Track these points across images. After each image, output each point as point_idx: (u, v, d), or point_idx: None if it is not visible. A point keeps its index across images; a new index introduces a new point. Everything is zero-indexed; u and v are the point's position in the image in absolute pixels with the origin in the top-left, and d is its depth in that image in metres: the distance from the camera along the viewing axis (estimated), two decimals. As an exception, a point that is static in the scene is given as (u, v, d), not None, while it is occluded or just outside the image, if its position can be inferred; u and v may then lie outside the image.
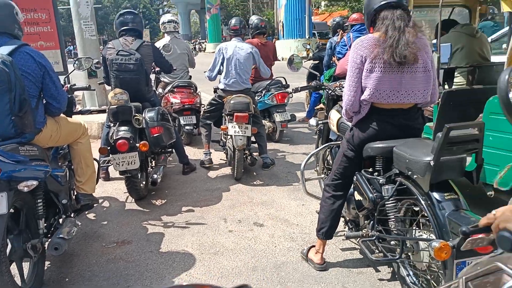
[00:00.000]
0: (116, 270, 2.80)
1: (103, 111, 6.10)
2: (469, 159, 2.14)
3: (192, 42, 27.97)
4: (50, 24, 7.38)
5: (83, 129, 3.18)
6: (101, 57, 4.23)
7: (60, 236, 2.60)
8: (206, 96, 7.83)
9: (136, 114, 3.70)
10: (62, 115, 3.26)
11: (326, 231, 2.65)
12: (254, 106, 4.60)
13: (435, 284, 2.14)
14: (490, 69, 3.79)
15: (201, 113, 5.18)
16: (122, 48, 4.02)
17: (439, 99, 3.26)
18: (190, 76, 6.31)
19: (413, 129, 2.42)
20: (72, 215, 3.09)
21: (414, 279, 2.30)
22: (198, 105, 5.79)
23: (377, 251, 2.44)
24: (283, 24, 25.61)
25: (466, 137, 2.02)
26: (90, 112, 6.99)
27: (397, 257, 2.24)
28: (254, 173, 4.68)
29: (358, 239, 2.63)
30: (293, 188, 4.16)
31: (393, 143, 2.29)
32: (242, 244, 3.07)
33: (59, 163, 3.10)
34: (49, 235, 2.78)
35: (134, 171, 3.64)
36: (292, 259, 2.85)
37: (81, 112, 3.82)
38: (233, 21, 5.04)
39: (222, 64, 4.73)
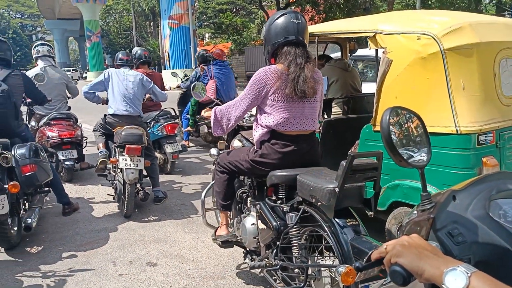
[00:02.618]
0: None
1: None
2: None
3: (71, 70, 26.25)
4: None
5: None
6: None
7: None
8: (88, 128, 7.34)
9: (4, 152, 3.28)
10: None
11: (225, 204, 2.79)
12: (147, 138, 4.45)
13: None
14: (362, 99, 4.20)
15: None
16: None
17: (320, 128, 3.50)
18: (69, 107, 5.87)
19: (313, 156, 2.56)
20: None
21: None
22: (80, 137, 5.40)
23: (279, 281, 2.43)
24: (168, 54, 25.59)
25: (367, 165, 2.11)
26: None
27: (302, 285, 2.21)
28: (147, 208, 4.44)
29: (261, 269, 2.58)
30: (187, 221, 4.03)
31: (296, 171, 2.34)
32: (134, 288, 2.86)
33: None
34: None
35: (2, 217, 3.18)
36: (189, 298, 2.72)
37: None
38: (120, 54, 4.98)
39: (107, 89, 4.62)
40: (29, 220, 3.46)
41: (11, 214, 3.35)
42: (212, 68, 6.67)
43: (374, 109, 2.96)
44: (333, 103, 4.25)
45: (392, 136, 1.09)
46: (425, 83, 2.68)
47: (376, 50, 3.75)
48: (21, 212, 3.64)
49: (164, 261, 3.24)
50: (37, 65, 5.61)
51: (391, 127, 1.09)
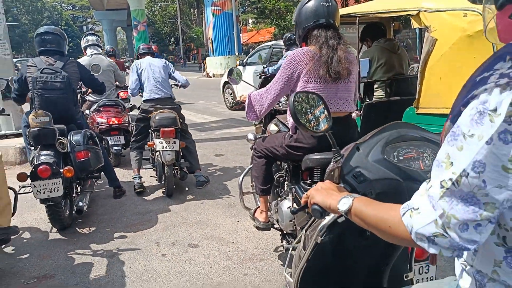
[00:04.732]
0: (37, 308, 2.56)
1: (21, 135, 5.66)
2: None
3: (128, 60, 27.10)
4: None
5: (-6, 156, 2.91)
6: (16, 76, 3.92)
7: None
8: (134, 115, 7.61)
9: (60, 138, 3.46)
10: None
11: (263, 188, 2.83)
12: (181, 120, 4.59)
13: None
14: (406, 81, 4.04)
15: (132, 136, 4.94)
16: (45, 66, 3.76)
17: (361, 111, 3.45)
18: (118, 95, 6.09)
19: (350, 139, 2.46)
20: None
21: None
22: (127, 124, 5.60)
23: None
24: (212, 41, 25.77)
25: None
26: (6, 136, 6.50)
27: None
28: (190, 192, 4.56)
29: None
30: (228, 205, 4.11)
31: (330, 154, 2.34)
32: (176, 268, 2.95)
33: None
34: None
35: (57, 199, 3.38)
36: (228, 279, 2.78)
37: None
38: (141, 45, 5.25)
39: (140, 79, 4.72)
40: (80, 203, 3.66)
41: (64, 197, 3.56)
42: None
43: (417, 91, 2.86)
44: (375, 86, 4.13)
45: (298, 112, 1.45)
46: (471, 63, 2.53)
47: (420, 29, 3.60)
48: (74, 195, 3.85)
49: (205, 243, 3.33)
50: (86, 54, 5.86)
51: (297, 106, 1.48)
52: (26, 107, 4.32)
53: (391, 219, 0.89)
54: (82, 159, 3.53)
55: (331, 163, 1.47)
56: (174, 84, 5.08)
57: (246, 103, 2.68)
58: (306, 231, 1.65)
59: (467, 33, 2.53)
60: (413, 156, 1.45)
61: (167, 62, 4.94)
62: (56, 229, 3.67)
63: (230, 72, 3.53)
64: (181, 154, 4.61)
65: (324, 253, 1.53)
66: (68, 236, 3.60)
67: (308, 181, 2.53)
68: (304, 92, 1.54)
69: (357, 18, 3.58)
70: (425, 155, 1.45)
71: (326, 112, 1.53)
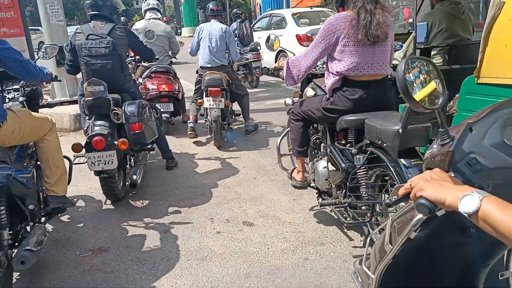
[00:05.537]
0: (92, 283, 2.52)
1: (75, 102, 5.68)
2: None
3: (171, 26, 27.22)
4: (13, 9, 6.88)
5: (50, 125, 2.83)
6: (68, 44, 3.84)
7: (27, 248, 2.29)
8: (187, 85, 7.55)
9: (115, 108, 3.36)
10: (26, 109, 2.92)
11: (300, 150, 3.02)
12: (229, 80, 5.13)
13: None
14: (467, 48, 3.65)
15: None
16: (92, 32, 3.65)
17: None
18: (171, 62, 5.99)
19: (386, 101, 2.63)
20: (42, 219, 2.79)
21: None
22: (177, 92, 5.53)
23: (349, 218, 2.63)
24: (260, 6, 25.14)
25: None
26: (60, 103, 6.58)
27: (367, 220, 2.45)
28: (242, 166, 4.40)
29: (332, 207, 2.76)
30: (283, 182, 3.91)
31: (364, 115, 2.47)
32: (232, 247, 2.82)
33: (25, 163, 2.77)
34: (16, 244, 2.48)
35: (111, 172, 3.31)
36: (288, 263, 2.61)
37: (49, 105, 3.43)
38: (210, 5, 5.53)
39: (199, 43, 5.28)
40: (134, 177, 3.57)
41: (118, 169, 3.48)
42: None
43: (479, 59, 2.57)
44: (433, 52, 3.80)
45: (409, 84, 1.18)
46: None
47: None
48: (127, 167, 3.78)
49: (261, 221, 3.17)
50: (145, 16, 5.84)
51: (407, 76, 1.19)
52: (80, 75, 4.29)
53: None
54: (136, 131, 3.42)
55: (436, 146, 1.19)
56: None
57: (284, 68, 2.82)
58: (393, 222, 1.43)
59: None
60: None
61: (227, 30, 5.31)
62: (110, 201, 3.64)
63: (268, 40, 3.65)
64: (231, 109, 5.36)
65: (414, 249, 1.31)
66: (121, 208, 3.55)
67: (343, 142, 2.67)
68: (417, 59, 1.26)
69: None
70: None
71: (441, 85, 1.25)
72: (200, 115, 5.43)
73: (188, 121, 5.35)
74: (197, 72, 5.44)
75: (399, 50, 3.91)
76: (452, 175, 1.08)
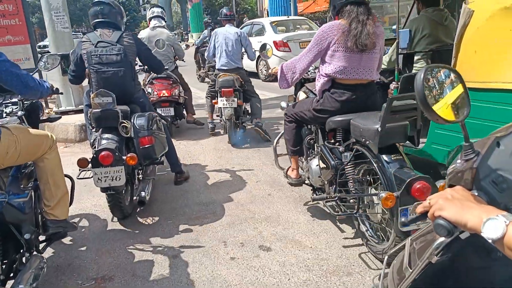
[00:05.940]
0: (95, 319, 2.27)
1: (81, 111, 5.48)
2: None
3: (176, 33, 27.16)
4: (18, 17, 6.74)
5: (50, 142, 2.59)
6: (73, 53, 3.62)
7: (20, 286, 2.04)
8: (196, 92, 7.40)
9: (124, 121, 3.13)
10: (23, 125, 2.69)
11: (294, 150, 3.25)
12: (242, 82, 5.36)
13: (389, 230, 2.48)
14: (449, 53, 3.51)
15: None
16: (100, 40, 3.43)
17: (399, 83, 3.38)
18: (176, 66, 6.06)
19: (372, 104, 2.84)
20: (41, 245, 2.55)
21: (372, 233, 2.72)
22: (177, 96, 5.66)
23: (339, 211, 2.82)
24: (268, 12, 24.97)
25: (406, 106, 2.40)
26: (65, 112, 6.38)
27: (355, 211, 2.61)
28: (256, 181, 4.14)
29: (323, 201, 2.97)
30: (299, 198, 3.64)
31: (350, 116, 2.67)
32: (249, 277, 2.55)
33: (22, 185, 2.52)
34: (11, 276, 2.24)
35: (118, 188, 3.07)
36: (311, 297, 2.34)
37: (50, 120, 3.20)
38: (224, 10, 5.79)
39: (215, 47, 5.46)
40: (143, 193, 3.31)
41: (125, 184, 3.23)
42: None
43: (452, 64, 2.66)
44: (416, 57, 3.87)
45: (427, 94, 1.04)
46: (508, 35, 2.35)
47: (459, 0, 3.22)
48: (135, 182, 3.54)
49: (278, 245, 2.91)
50: (150, 24, 5.89)
51: (425, 84, 1.05)
52: (85, 83, 4.07)
53: None
54: (146, 146, 3.19)
55: (459, 161, 1.06)
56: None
57: (279, 73, 3.04)
58: (412, 242, 1.28)
59: (504, 4, 2.33)
60: None
61: (243, 34, 5.50)
62: (116, 218, 3.40)
63: (263, 48, 3.85)
64: (245, 109, 5.59)
65: (435, 273, 1.18)
66: (128, 226, 3.31)
67: (332, 141, 2.89)
68: (438, 67, 1.11)
69: None
70: None
71: (465, 95, 1.09)
72: (216, 116, 5.80)
73: (208, 121, 5.85)
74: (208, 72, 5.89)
75: (386, 54, 3.95)
76: (476, 193, 0.98)
